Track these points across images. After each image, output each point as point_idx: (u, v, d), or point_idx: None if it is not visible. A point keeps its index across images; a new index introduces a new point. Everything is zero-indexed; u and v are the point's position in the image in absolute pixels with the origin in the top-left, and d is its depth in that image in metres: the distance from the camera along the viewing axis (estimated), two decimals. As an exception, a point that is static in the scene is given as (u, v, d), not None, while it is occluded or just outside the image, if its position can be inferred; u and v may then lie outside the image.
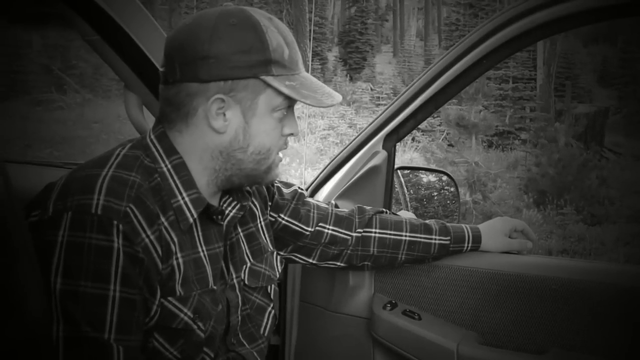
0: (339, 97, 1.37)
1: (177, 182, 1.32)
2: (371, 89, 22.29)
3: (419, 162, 12.52)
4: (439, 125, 15.94)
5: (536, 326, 1.68)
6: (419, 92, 1.84)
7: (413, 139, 16.00)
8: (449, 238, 1.77)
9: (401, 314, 1.79)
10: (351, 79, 25.13)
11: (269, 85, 1.29)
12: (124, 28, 1.58)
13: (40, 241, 1.15)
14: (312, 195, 1.97)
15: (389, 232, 1.76)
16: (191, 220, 1.32)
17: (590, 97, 23.10)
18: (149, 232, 1.23)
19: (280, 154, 1.42)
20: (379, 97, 20.54)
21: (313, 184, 1.99)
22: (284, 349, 2.03)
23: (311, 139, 15.49)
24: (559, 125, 13.91)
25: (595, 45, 31.26)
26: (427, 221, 1.81)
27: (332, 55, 30.98)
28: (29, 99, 17.05)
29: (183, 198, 1.31)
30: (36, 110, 16.46)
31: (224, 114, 1.30)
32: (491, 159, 13.11)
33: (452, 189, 2.44)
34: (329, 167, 1.98)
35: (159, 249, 1.25)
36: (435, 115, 15.07)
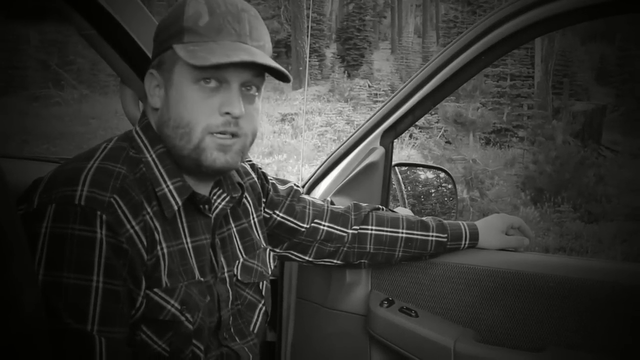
0: (242, 56, 1.24)
1: (162, 170, 1.31)
2: (369, 86, 22.23)
3: (416, 159, 12.51)
4: (437, 122, 15.93)
5: (533, 324, 1.67)
6: (417, 89, 1.83)
7: (410, 136, 15.99)
8: (446, 235, 1.77)
9: (398, 311, 1.79)
10: (349, 75, 25.06)
11: (177, 55, 1.26)
12: (121, 23, 1.58)
13: (28, 234, 1.14)
14: (309, 191, 1.96)
15: (385, 229, 1.75)
16: (175, 207, 1.31)
17: (587, 95, 23.06)
18: (133, 223, 1.22)
19: (228, 140, 1.30)
20: (376, 94, 20.49)
21: (310, 181, 1.98)
22: (280, 345, 2.03)
23: (308, 135, 15.48)
24: (556, 123, 13.92)
25: (593, 43, 31.23)
26: (424, 218, 1.81)
27: (330, 51, 30.91)
28: (27, 95, 17.02)
29: (168, 186, 1.30)
30: (33, 105, 16.44)
31: (156, 91, 1.33)
32: (489, 156, 13.11)
33: (449, 186, 2.44)
34: (326, 163, 1.97)
35: (143, 239, 1.24)
36: (433, 113, 15.07)
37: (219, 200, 1.42)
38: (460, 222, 1.82)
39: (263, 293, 1.54)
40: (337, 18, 38.44)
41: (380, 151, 1.92)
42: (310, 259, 1.74)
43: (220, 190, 1.43)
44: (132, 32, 1.60)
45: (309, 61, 27.80)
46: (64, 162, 1.29)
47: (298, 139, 14.40)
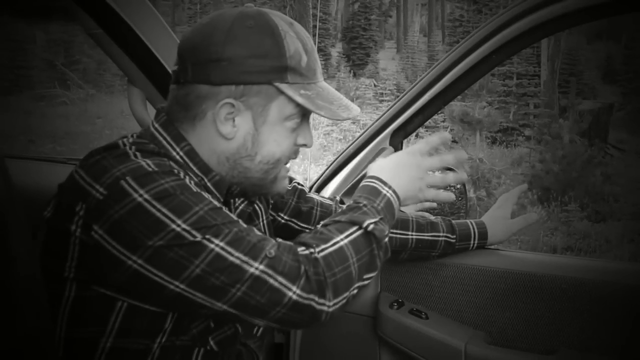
0: (356, 110, 1.33)
1: (193, 167, 1.28)
2: (374, 85, 22.24)
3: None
4: (443, 121, 15.90)
5: (545, 326, 1.65)
6: (426, 88, 1.82)
7: (417, 135, 15.95)
8: (454, 236, 1.76)
9: (408, 313, 1.77)
10: (354, 75, 25.06)
11: (282, 93, 1.25)
12: (128, 22, 1.56)
13: (105, 225, 1.11)
14: (319, 191, 1.94)
15: (395, 230, 1.73)
16: (222, 199, 1.30)
17: (594, 94, 23.02)
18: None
19: (288, 165, 1.37)
20: (382, 93, 20.49)
21: (319, 180, 1.97)
22: (288, 347, 2.01)
23: (314, 134, 15.45)
24: (563, 122, 13.89)
25: (600, 42, 31.20)
26: (432, 218, 1.79)
27: (336, 51, 30.92)
28: (32, 94, 17.05)
29: (206, 183, 1.29)
30: (39, 105, 16.47)
31: (233, 120, 1.26)
32: (495, 156, 13.10)
33: (459, 186, 2.41)
34: (335, 163, 1.96)
35: None
36: (439, 112, 15.02)
37: (238, 202, 1.42)
38: (469, 221, 1.81)
39: None
40: (342, 17, 38.44)
41: (389, 151, 1.91)
42: None
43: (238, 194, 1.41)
44: (140, 32, 1.59)
45: (315, 60, 27.73)
46: (81, 163, 1.23)
47: (304, 139, 14.37)
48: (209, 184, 1.29)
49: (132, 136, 1.30)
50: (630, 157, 15.37)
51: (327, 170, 1.97)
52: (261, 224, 1.53)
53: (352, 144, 1.95)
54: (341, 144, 12.94)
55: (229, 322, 1.32)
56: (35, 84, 17.81)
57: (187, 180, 1.18)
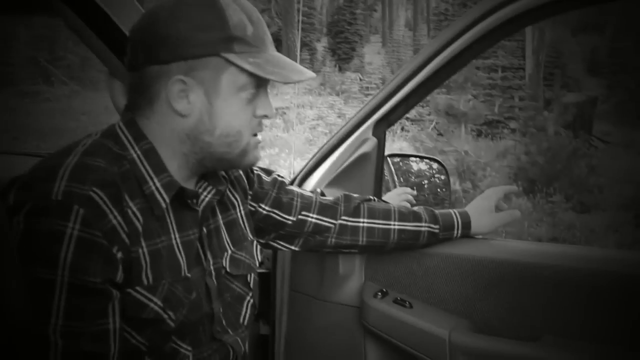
0: (309, 74, 1.34)
1: (147, 167, 1.29)
2: (360, 79, 22.24)
3: (408, 151, 12.51)
4: (429, 114, 15.93)
5: (529, 313, 1.66)
6: (408, 79, 1.81)
7: (402, 129, 15.99)
8: (438, 226, 1.76)
9: (392, 303, 1.77)
10: (340, 69, 25.03)
11: (231, 63, 1.26)
12: (110, 15, 1.56)
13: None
14: (302, 184, 1.94)
15: (377, 221, 1.74)
16: (164, 205, 1.29)
17: (579, 86, 23.08)
18: (116, 214, 1.20)
19: (259, 137, 1.38)
20: (367, 87, 20.50)
21: (302, 173, 1.96)
22: (274, 338, 2.02)
23: (300, 129, 15.47)
24: (548, 114, 13.96)
25: (584, 35, 31.28)
26: (415, 208, 1.80)
27: (321, 45, 30.88)
28: (16, 91, 16.93)
29: (154, 184, 1.28)
30: (23, 102, 16.35)
31: (187, 96, 1.27)
32: (480, 148, 13.12)
33: (443, 177, 2.43)
34: (318, 155, 1.95)
35: (126, 231, 1.22)
36: (424, 105, 15.06)
37: (204, 193, 1.41)
38: (452, 210, 1.82)
39: (251, 285, 1.52)
40: (327, 12, 38.37)
41: (372, 142, 1.91)
42: (297, 248, 1.73)
43: (206, 183, 1.42)
44: (122, 25, 1.58)
45: (300, 55, 27.78)
46: (42, 159, 1.27)
47: (290, 133, 14.37)
48: (157, 185, 1.28)
49: (96, 134, 1.32)
50: (615, 149, 15.46)
51: (310, 162, 1.96)
52: (238, 214, 1.53)
53: (334, 136, 1.94)
54: (327, 138, 12.94)
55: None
56: (19, 80, 17.68)
57: (72, 228, 1.15)
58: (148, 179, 1.28)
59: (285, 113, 16.87)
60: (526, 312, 1.67)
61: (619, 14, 24.79)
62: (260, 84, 1.32)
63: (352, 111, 15.44)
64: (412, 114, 16.65)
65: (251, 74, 1.27)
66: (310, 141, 14.23)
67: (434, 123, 15.06)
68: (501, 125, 17.46)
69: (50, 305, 1.13)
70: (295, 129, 14.92)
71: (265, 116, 1.35)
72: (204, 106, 1.28)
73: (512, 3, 1.65)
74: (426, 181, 2.46)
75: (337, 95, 19.95)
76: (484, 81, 16.63)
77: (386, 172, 2.32)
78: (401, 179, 2.42)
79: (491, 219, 1.81)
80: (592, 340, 1.58)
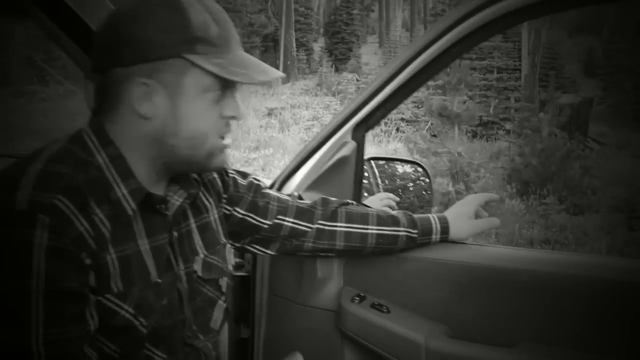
0: (276, 74, 1.32)
1: (114, 173, 1.27)
2: (357, 80, 22.28)
3: (402, 152, 12.54)
4: (424, 115, 15.94)
5: (506, 319, 1.65)
6: (387, 82, 1.80)
7: (397, 129, 16.00)
8: (416, 231, 1.75)
9: (369, 307, 1.76)
10: (337, 69, 25.05)
11: (194, 65, 1.24)
12: (82, 17, 1.54)
13: None
14: (281, 187, 1.93)
15: (355, 225, 1.73)
16: (130, 212, 1.27)
17: (575, 88, 23.13)
18: (83, 221, 1.18)
19: (227, 140, 1.36)
20: (364, 88, 20.52)
21: (282, 176, 1.95)
22: (253, 342, 2.01)
23: (295, 129, 15.46)
24: (543, 116, 13.94)
25: (580, 36, 31.33)
26: (394, 213, 1.79)
27: (318, 46, 30.94)
28: (12, 91, 16.91)
29: (121, 190, 1.26)
30: (19, 102, 16.33)
31: (151, 99, 1.25)
32: (475, 149, 13.14)
33: (427, 180, 2.42)
34: (297, 158, 1.94)
35: (94, 238, 1.20)
36: (420, 106, 15.06)
37: (175, 197, 1.39)
38: (431, 215, 1.80)
39: (223, 289, 1.51)
40: (324, 12, 38.41)
41: (352, 145, 1.89)
42: (273, 252, 1.72)
43: (177, 187, 1.40)
44: (93, 25, 1.57)
45: (297, 55, 27.78)
46: (6, 167, 1.24)
47: (285, 133, 14.38)
48: (123, 191, 1.26)
49: (63, 139, 1.30)
50: (610, 150, 15.49)
51: (290, 166, 1.95)
52: (211, 218, 1.51)
53: (313, 139, 1.93)
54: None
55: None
56: (14, 80, 17.66)
57: (40, 237, 1.14)
58: (114, 185, 1.26)
59: (280, 113, 16.88)
60: (503, 318, 1.65)
61: (615, 16, 24.82)
62: (226, 85, 1.30)
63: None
64: (408, 115, 16.66)
65: (216, 75, 1.25)
66: (304, 141, 14.22)
67: (428, 124, 15.06)
68: (496, 127, 17.49)
69: (29, 315, 1.12)
70: (290, 130, 14.91)
71: (233, 117, 1.33)
72: (168, 109, 1.26)
73: (488, 7, 1.64)
74: (411, 184, 2.45)
75: (334, 95, 19.96)
76: (479, 82, 16.64)
77: (370, 176, 2.32)
78: (385, 182, 2.41)
79: (469, 226, 1.80)
80: (568, 347, 1.57)
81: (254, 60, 1.32)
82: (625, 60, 23.53)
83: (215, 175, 1.57)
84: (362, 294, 1.80)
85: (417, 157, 10.27)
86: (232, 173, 1.64)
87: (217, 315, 1.49)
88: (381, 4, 40.37)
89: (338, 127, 1.89)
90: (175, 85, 1.25)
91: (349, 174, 1.93)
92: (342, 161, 1.89)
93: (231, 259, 1.56)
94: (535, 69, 19.04)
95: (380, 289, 1.81)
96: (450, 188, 10.02)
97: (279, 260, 1.92)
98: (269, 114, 17.04)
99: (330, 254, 1.76)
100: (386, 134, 15.66)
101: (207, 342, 1.46)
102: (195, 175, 1.45)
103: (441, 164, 10.11)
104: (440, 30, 1.72)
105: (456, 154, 10.49)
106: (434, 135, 12.60)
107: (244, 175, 1.69)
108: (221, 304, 1.50)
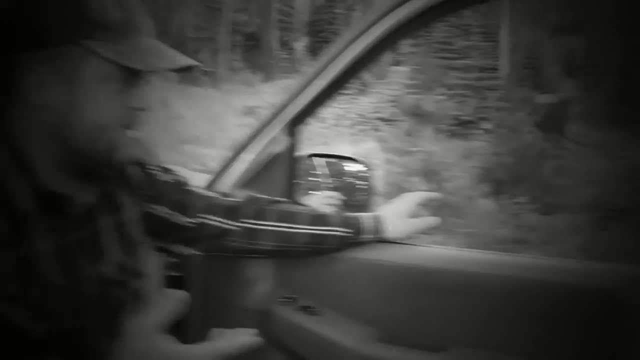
0: (183, 61, 1.24)
1: (13, 170, 1.19)
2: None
3: (377, 151, 12.48)
4: (399, 114, 15.95)
5: (438, 322, 1.60)
6: (319, 75, 1.75)
7: (376, 130, 15.98)
8: (350, 230, 1.69)
9: (299, 310, 1.71)
10: (318, 68, 25.03)
11: (91, 51, 1.16)
12: None
13: None
14: (211, 185, 1.87)
15: (284, 225, 1.67)
16: (28, 210, 1.18)
17: (553, 87, 23.22)
18: None
19: (138, 132, 1.28)
20: (296, 82, 20.56)
21: (213, 174, 1.90)
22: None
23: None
24: (520, 115, 13.97)
25: (560, 37, 31.49)
26: (327, 212, 1.74)
27: (301, 44, 30.88)
28: None
29: (19, 188, 1.18)
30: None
31: (48, 88, 1.17)
32: (448, 148, 13.13)
33: (365, 184, 2.37)
34: (229, 155, 1.89)
35: None
36: (394, 105, 15.05)
37: (82, 194, 1.30)
38: (366, 214, 1.75)
39: (139, 293, 1.44)
40: (307, 11, 38.38)
41: (284, 141, 1.84)
42: (199, 253, 1.66)
43: (85, 184, 1.31)
44: None
45: (279, 54, 27.74)
46: None
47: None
48: (22, 189, 1.19)
49: None
50: (587, 150, 15.55)
51: (222, 164, 1.89)
52: (126, 216, 1.44)
53: (246, 136, 1.87)
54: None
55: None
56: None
57: None
58: (9, 180, 1.19)
59: (261, 113, 16.83)
60: (435, 321, 1.60)
61: (595, 17, 24.98)
62: (132, 73, 1.21)
63: (329, 110, 15.44)
64: (386, 113, 16.65)
65: (115, 63, 1.17)
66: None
67: (402, 123, 15.03)
68: (473, 126, 17.51)
69: None
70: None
71: (140, 109, 1.25)
72: (65, 97, 1.18)
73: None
74: (358, 182, 2.40)
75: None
76: (457, 81, 16.67)
77: (317, 172, 2.26)
78: (330, 180, 2.36)
79: (406, 225, 1.74)
80: (502, 351, 1.52)
81: (161, 46, 1.24)
82: (605, 60, 23.68)
83: (134, 171, 1.50)
84: (291, 296, 1.75)
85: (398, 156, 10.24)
86: (152, 168, 1.57)
87: (126, 319, 1.42)
88: (364, 3, 40.41)
89: (270, 123, 1.84)
90: (73, 72, 1.17)
91: (282, 171, 1.87)
92: (275, 158, 1.84)
93: (148, 259, 1.49)
94: (515, 69, 19.11)
95: (312, 291, 1.75)
96: (423, 187, 10.00)
97: (210, 260, 1.86)
98: (249, 113, 16.94)
99: (259, 255, 1.70)
100: (364, 133, 15.64)
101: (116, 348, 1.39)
102: (108, 171, 1.37)
103: (413, 163, 10.09)
104: (371, 20, 1.67)
105: (429, 153, 10.48)
106: (408, 134, 12.59)
107: (167, 170, 1.62)
108: (134, 307, 1.43)
